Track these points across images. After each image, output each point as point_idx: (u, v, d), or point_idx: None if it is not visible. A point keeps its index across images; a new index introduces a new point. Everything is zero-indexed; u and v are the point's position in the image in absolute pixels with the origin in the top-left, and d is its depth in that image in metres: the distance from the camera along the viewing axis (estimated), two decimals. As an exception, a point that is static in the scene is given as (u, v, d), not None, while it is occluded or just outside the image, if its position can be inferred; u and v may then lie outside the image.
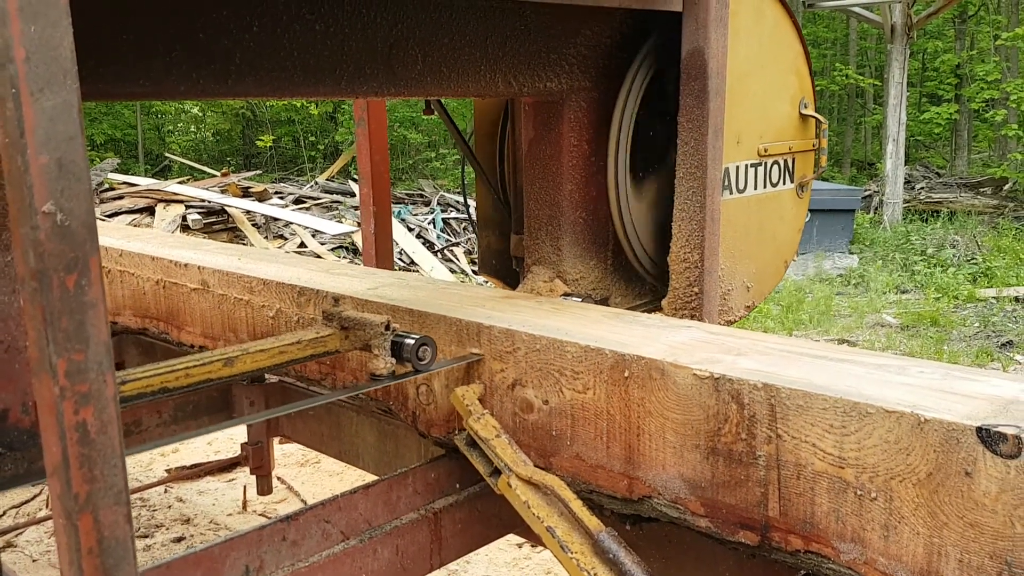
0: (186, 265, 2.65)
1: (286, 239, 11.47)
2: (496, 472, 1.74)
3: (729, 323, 2.40)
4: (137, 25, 1.52)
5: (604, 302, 2.46)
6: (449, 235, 11.67)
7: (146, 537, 3.41)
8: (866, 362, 1.55)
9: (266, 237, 11.32)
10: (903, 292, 11.07)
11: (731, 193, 2.35)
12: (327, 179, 14.57)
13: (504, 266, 2.88)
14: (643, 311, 2.14)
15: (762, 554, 1.53)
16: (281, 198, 12.66)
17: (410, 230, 11.24)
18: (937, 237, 13.49)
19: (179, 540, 3.41)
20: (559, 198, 2.28)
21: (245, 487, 3.78)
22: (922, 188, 16.37)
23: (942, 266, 12.03)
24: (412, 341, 1.67)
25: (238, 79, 1.63)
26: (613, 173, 2.26)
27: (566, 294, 2.33)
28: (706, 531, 1.57)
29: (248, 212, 11.40)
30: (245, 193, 11.89)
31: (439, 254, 10.77)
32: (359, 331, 1.70)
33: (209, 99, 1.71)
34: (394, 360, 1.68)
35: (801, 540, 1.44)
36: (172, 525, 3.52)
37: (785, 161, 2.57)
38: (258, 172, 14.50)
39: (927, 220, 14.83)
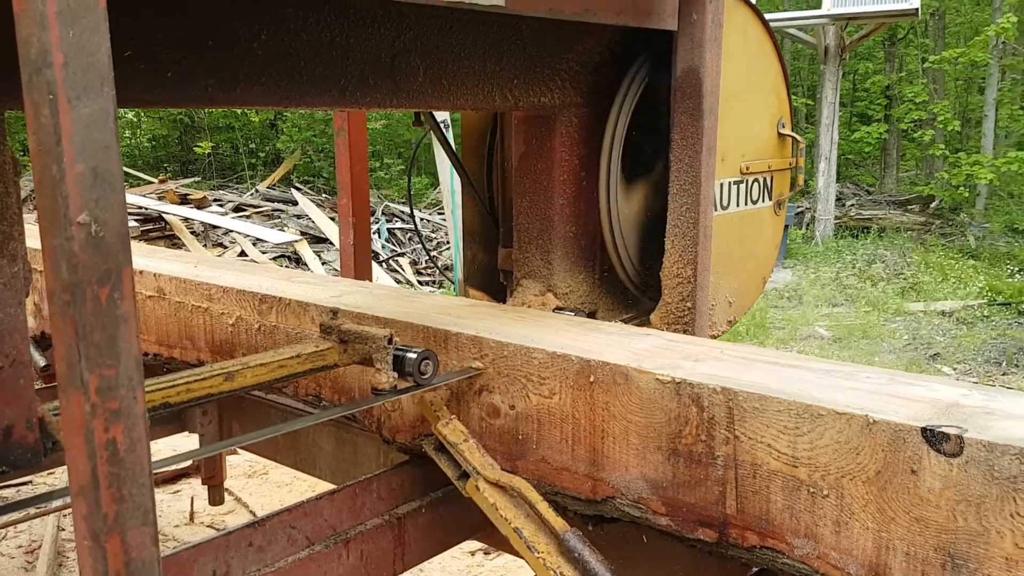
0: (141, 272, 2.64)
1: (226, 247, 11.32)
2: (464, 475, 1.79)
3: (713, 337, 2.47)
4: (149, 33, 1.53)
5: (592, 316, 2.53)
6: (394, 245, 11.66)
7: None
8: (815, 368, 1.64)
9: (205, 245, 11.15)
10: (835, 306, 11.40)
11: (716, 210, 2.42)
12: (268, 187, 14.41)
13: (490, 279, 2.91)
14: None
15: (719, 551, 1.61)
16: (220, 206, 12.49)
17: (354, 240, 11.18)
18: (867, 253, 13.94)
19: (127, 551, 3.35)
20: (550, 212, 2.33)
21: (192, 498, 3.74)
22: (852, 205, 16.88)
23: (872, 281, 12.43)
24: (414, 355, 1.67)
25: (246, 88, 1.64)
26: (605, 189, 2.32)
27: (558, 308, 2.38)
28: (667, 529, 1.64)
29: (186, 220, 11.22)
30: (183, 200, 11.71)
31: (384, 264, 10.74)
32: (358, 344, 1.70)
33: (216, 107, 1.70)
34: (396, 374, 1.69)
35: (757, 536, 1.52)
36: (119, 536, 3.46)
37: (764, 179, 2.67)
38: (196, 179, 14.27)
39: (857, 236, 15.30)
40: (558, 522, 1.66)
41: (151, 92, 1.56)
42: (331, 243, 11.38)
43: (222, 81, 1.61)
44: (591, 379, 1.68)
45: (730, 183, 2.51)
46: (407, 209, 13.09)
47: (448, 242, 12.02)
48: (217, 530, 3.64)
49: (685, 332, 2.18)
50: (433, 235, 12.32)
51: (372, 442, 2.59)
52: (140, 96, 1.58)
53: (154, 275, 2.59)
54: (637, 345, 1.79)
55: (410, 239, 11.99)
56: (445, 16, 1.87)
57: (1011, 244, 14.91)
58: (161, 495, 3.94)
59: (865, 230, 15.63)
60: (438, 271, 10.38)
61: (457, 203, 8.99)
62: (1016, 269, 13.33)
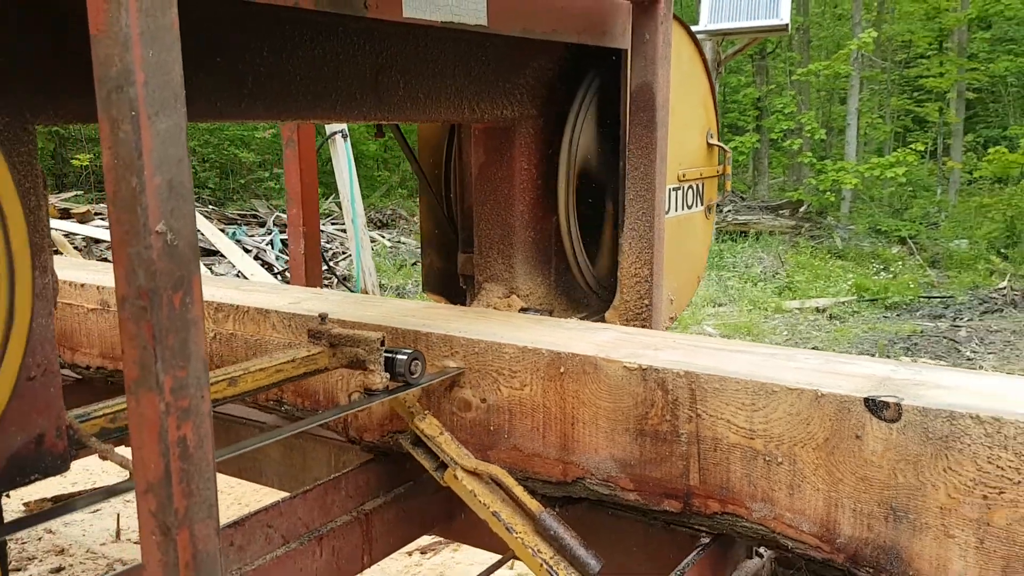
0: (83, 285, 2.62)
1: (110, 261, 10.91)
2: (442, 466, 1.90)
3: (658, 332, 2.64)
4: None
5: (550, 316, 2.64)
6: (288, 256, 11.50)
7: (20, 570, 3.25)
8: (760, 352, 1.83)
9: (88, 260, 10.72)
10: (719, 305, 11.95)
11: (660, 215, 2.61)
12: (151, 200, 13.90)
13: (448, 284, 3.02)
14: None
15: (680, 521, 1.78)
16: (103, 219, 12.02)
17: (247, 251, 10.99)
18: (746, 255, 14.67)
19: (57, 571, 3.27)
20: (511, 218, 2.46)
21: (119, 515, 3.67)
22: (730, 211, 17.71)
23: (752, 281, 13.10)
24: (404, 356, 1.76)
25: (250, 102, 1.70)
26: (564, 195, 2.47)
27: (523, 309, 2.50)
28: (634, 504, 1.79)
29: (68, 234, 10.76)
30: (65, 215, 11.22)
31: (279, 276, 10.60)
32: (348, 348, 1.77)
33: (223, 121, 1.74)
34: (388, 375, 1.77)
35: (719, 503, 1.69)
36: (46, 557, 3.38)
37: (697, 186, 2.88)
38: (76, 192, 13.67)
39: (736, 240, 16.05)
40: (533, 504, 1.79)
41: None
42: (222, 256, 11.13)
43: (229, 96, 1.67)
44: (561, 370, 1.82)
45: (669, 190, 2.72)
46: (299, 220, 12.91)
47: (345, 252, 11.96)
48: (147, 546, 3.58)
49: (643, 327, 2.35)
50: (328, 245, 12.22)
51: (323, 446, 2.65)
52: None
53: (97, 288, 2.58)
54: (599, 338, 1.94)
55: (304, 250, 11.84)
56: (422, 34, 1.98)
57: (874, 244, 15.97)
58: (82, 514, 3.85)
59: (743, 234, 16.41)
60: (337, 281, 10.32)
61: (359, 212, 8.99)
62: (880, 267, 14.31)
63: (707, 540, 1.89)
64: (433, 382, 1.88)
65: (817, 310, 11.28)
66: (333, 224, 13.42)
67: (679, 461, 1.72)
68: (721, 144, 2.98)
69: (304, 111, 1.81)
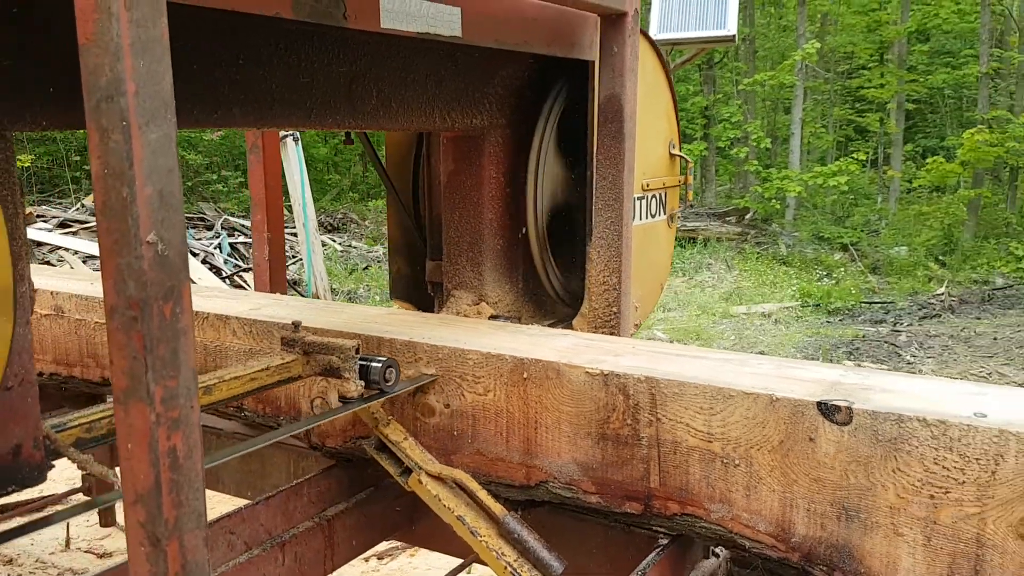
0: (35, 290, 2.58)
1: (52, 265, 10.66)
2: (407, 471, 1.92)
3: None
4: None
5: (518, 322, 2.66)
6: (237, 260, 11.36)
7: (-35, 582, 3.17)
8: (715, 357, 1.89)
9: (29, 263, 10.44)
10: (669, 310, 12.12)
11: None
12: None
13: (415, 291, 3.03)
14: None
15: (641, 522, 1.82)
16: (45, 222, 11.75)
17: (194, 255, 10.82)
18: (695, 261, 14.89)
19: (5, 581, 3.20)
20: (480, 226, 2.48)
21: (68, 524, 3.61)
22: (678, 217, 17.94)
23: (700, 287, 13.30)
24: (379, 364, 1.77)
25: (226, 110, 1.70)
26: (532, 203, 2.50)
27: (493, 316, 2.52)
28: (596, 506, 1.83)
29: (9, 237, 10.47)
30: (4, 217, 10.91)
31: (228, 280, 10.46)
32: (322, 355, 1.78)
33: (199, 128, 1.73)
34: (363, 383, 1.78)
35: (678, 505, 1.74)
36: (-8, 567, 3.30)
37: (660, 195, 2.94)
38: (14, 194, 13.29)
39: (685, 246, 16.28)
40: (497, 507, 1.82)
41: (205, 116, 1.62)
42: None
43: (205, 104, 1.66)
44: (524, 375, 1.85)
45: (634, 199, 2.77)
46: (247, 223, 12.78)
47: (295, 256, 11.86)
48: (97, 554, 3.53)
49: (612, 334, 2.40)
50: (277, 250, 12.08)
51: (282, 453, 2.64)
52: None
53: (51, 293, 2.54)
54: (560, 344, 1.98)
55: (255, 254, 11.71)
56: (394, 44, 2.00)
57: (817, 251, 16.32)
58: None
59: (692, 240, 16.65)
60: (289, 286, 10.22)
61: (310, 216, 8.92)
62: (824, 274, 14.64)
63: (665, 541, 1.93)
64: (407, 389, 1.90)
65: (763, 315, 11.50)
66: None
67: (640, 464, 1.76)
68: (683, 154, 3.05)
69: (279, 119, 1.82)
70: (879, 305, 12.76)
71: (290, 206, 12.94)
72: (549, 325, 2.67)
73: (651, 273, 3.01)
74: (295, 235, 12.63)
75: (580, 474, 1.83)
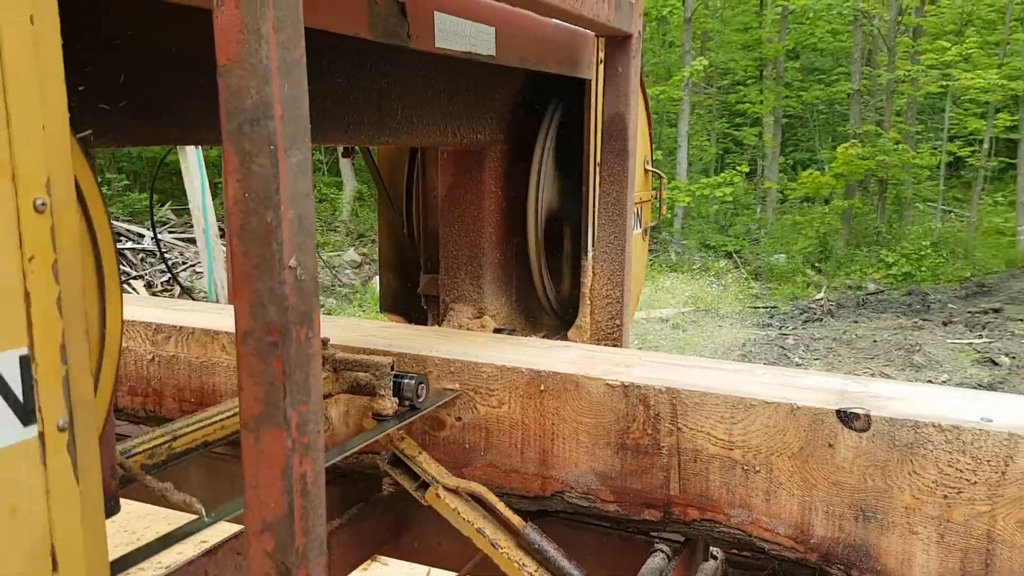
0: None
1: None
2: (423, 485, 1.91)
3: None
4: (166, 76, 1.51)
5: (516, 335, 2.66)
6: (126, 267, 10.86)
7: None
8: (724, 368, 1.97)
9: None
10: (569, 317, 12.33)
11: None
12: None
13: (407, 304, 2.99)
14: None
15: (658, 528, 1.88)
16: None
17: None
18: (590, 267, 15.20)
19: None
20: (480, 240, 2.47)
21: None
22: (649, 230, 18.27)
23: (597, 293, 13.59)
24: (412, 380, 1.75)
25: None
26: (534, 217, 2.50)
27: (497, 329, 2.51)
28: (614, 514, 1.88)
29: None
30: None
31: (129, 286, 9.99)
32: (351, 372, 1.74)
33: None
34: (397, 400, 1.75)
35: (697, 511, 1.80)
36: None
37: (637, 209, 3.00)
38: None
39: (579, 252, 16.57)
40: (516, 519, 1.85)
41: (211, 132, 1.55)
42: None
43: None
44: (542, 388, 1.88)
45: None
46: (134, 228, 12.26)
47: (186, 262, 11.44)
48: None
49: (615, 346, 2.44)
50: (167, 255, 11.63)
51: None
52: (194, 135, 1.58)
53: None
54: (568, 356, 2.01)
55: (142, 260, 11.24)
56: (416, 61, 1.99)
57: (704, 258, 16.95)
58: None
59: (585, 247, 16.96)
60: (180, 291, 9.85)
61: (211, 222, 8.64)
62: (713, 280, 15.21)
63: (664, 547, 1.99)
64: (436, 406, 1.89)
65: (662, 320, 11.86)
66: (171, 233, 12.80)
67: (660, 472, 1.82)
68: (657, 170, 3.14)
69: (321, 134, 1.78)
70: (764, 310, 13.36)
71: (176, 210, 12.48)
72: (542, 337, 2.70)
73: (632, 282, 3.10)
74: (184, 241, 12.18)
75: (598, 483, 1.87)
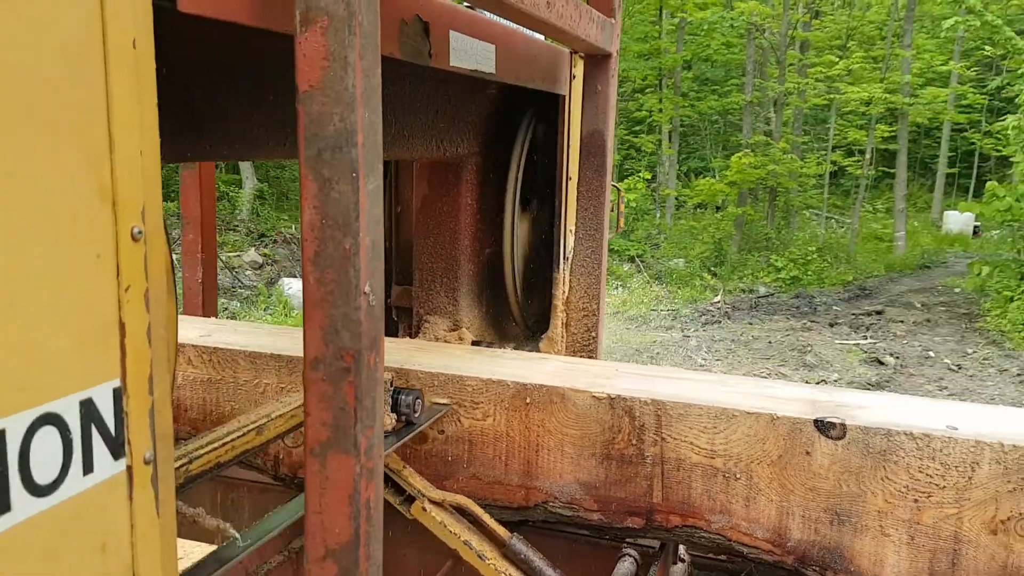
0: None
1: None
2: (409, 499, 1.91)
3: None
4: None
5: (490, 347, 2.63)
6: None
7: None
8: (695, 378, 2.04)
9: None
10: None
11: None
12: None
13: None
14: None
15: (640, 534, 1.93)
16: None
17: None
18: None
19: None
20: (456, 252, 2.45)
21: None
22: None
23: (504, 296, 13.68)
24: (409, 396, 1.73)
25: (280, 140, 1.60)
26: (510, 230, 2.50)
27: (475, 342, 2.49)
28: (597, 523, 1.92)
29: None
30: None
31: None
32: None
33: (270, 159, 1.61)
34: (395, 416, 1.73)
35: (679, 517, 1.87)
36: None
37: None
38: None
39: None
40: (501, 531, 1.87)
41: (234, 147, 1.51)
42: None
43: (278, 136, 1.56)
44: (527, 400, 1.91)
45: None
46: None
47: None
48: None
49: (590, 358, 2.47)
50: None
51: (240, 488, 2.50)
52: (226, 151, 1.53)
53: None
54: (547, 368, 2.05)
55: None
56: (407, 74, 1.97)
57: (609, 263, 17.28)
58: None
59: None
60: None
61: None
62: (618, 283, 15.54)
63: (631, 551, 2.05)
64: (431, 421, 1.89)
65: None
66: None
67: (643, 481, 1.87)
68: (615, 184, 3.20)
69: None
70: (667, 312, 13.73)
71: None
72: (512, 348, 2.72)
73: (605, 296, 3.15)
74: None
75: (582, 493, 1.91)
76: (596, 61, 2.25)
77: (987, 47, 16.87)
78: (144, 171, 0.83)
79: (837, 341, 12.13)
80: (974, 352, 11.61)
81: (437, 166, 2.45)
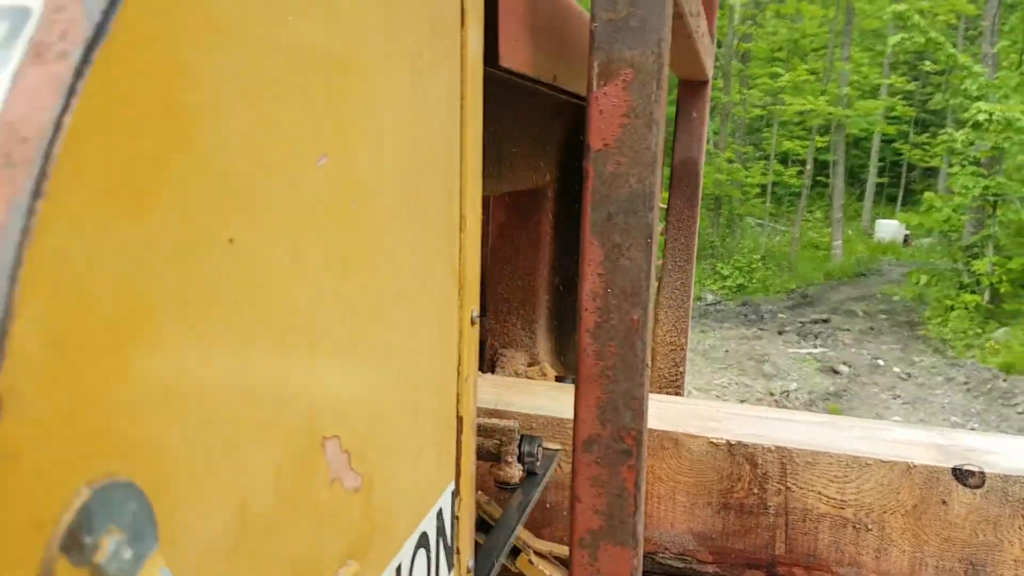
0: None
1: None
2: (514, 551, 1.75)
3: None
4: None
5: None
6: None
7: None
8: (810, 420, 1.93)
9: None
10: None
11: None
12: None
13: None
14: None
15: (749, 588, 1.82)
16: None
17: None
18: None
19: None
20: (535, 283, 2.26)
21: None
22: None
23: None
24: (531, 444, 1.57)
25: None
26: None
27: (558, 378, 2.31)
28: (713, 575, 1.80)
29: None
30: None
31: None
32: (479, 438, 1.54)
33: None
34: (522, 466, 1.57)
35: (804, 570, 1.76)
36: None
37: None
38: None
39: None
40: (612, 586, 1.73)
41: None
42: None
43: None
44: (639, 445, 1.77)
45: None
46: None
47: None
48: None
49: (676, 394, 2.34)
50: None
51: None
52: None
53: None
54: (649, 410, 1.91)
55: None
56: (519, 99, 1.79)
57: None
58: None
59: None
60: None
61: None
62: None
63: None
64: (551, 471, 1.73)
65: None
66: None
67: (765, 532, 1.76)
68: None
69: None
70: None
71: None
72: (571, 381, 2.56)
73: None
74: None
75: (696, 544, 1.79)
76: (692, 87, 2.13)
77: (927, 62, 17.40)
78: (476, 247, 0.69)
79: (790, 349, 12.31)
80: (920, 360, 11.91)
81: (515, 194, 2.28)
